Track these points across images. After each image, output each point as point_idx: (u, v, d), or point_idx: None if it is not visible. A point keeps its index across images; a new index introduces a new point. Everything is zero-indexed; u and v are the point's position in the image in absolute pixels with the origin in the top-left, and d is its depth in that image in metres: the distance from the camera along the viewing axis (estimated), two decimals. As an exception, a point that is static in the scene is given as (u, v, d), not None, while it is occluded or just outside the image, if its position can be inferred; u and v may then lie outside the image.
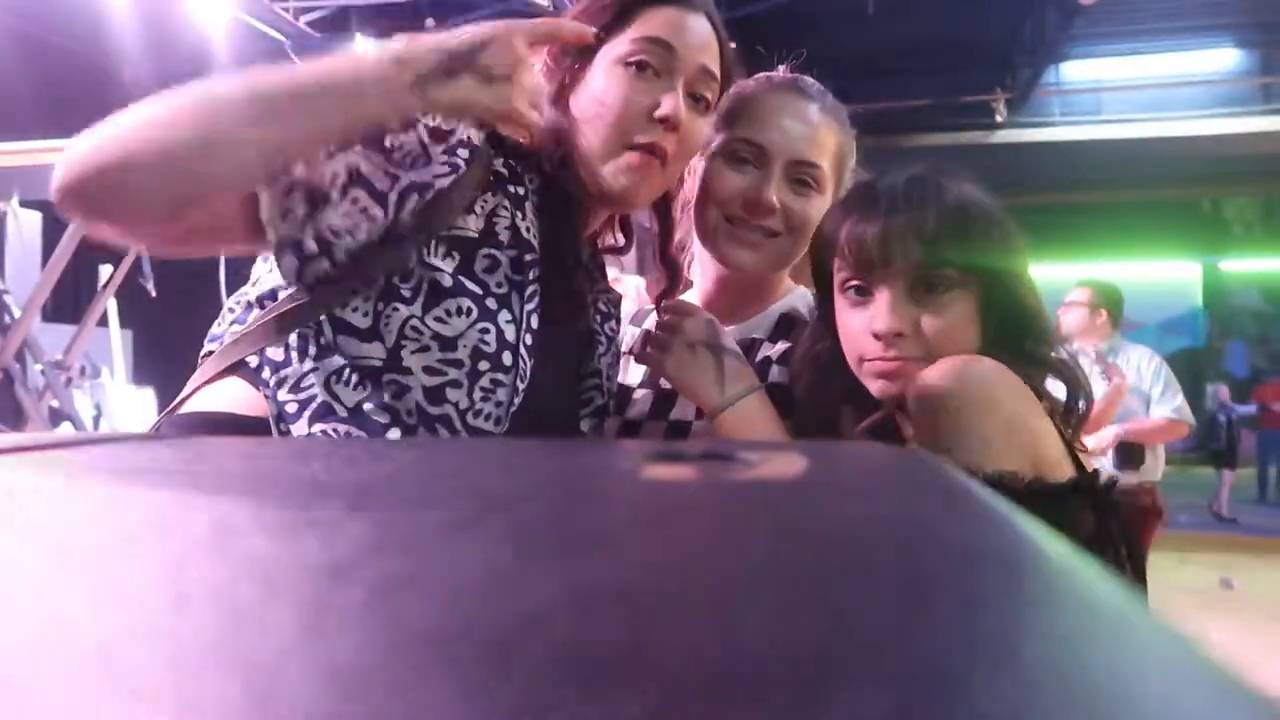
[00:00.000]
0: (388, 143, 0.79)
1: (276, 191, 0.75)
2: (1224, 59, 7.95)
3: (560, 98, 0.90)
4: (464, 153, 0.83)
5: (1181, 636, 0.18)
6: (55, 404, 2.56)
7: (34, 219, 2.86)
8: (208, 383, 0.84)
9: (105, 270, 2.63)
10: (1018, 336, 0.88)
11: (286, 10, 5.40)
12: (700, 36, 0.92)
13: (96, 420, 3.09)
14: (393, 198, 0.79)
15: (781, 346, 1.05)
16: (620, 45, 0.89)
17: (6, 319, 2.43)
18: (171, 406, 0.85)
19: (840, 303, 0.92)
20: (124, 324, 3.27)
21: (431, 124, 0.81)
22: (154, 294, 2.29)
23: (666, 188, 0.99)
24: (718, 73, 0.94)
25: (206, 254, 0.84)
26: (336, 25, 5.68)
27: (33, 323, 2.47)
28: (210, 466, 0.44)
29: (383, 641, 0.17)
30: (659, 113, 0.88)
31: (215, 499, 0.34)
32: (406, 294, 0.81)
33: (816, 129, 1.04)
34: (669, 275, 1.06)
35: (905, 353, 0.87)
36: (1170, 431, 3.29)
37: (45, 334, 2.66)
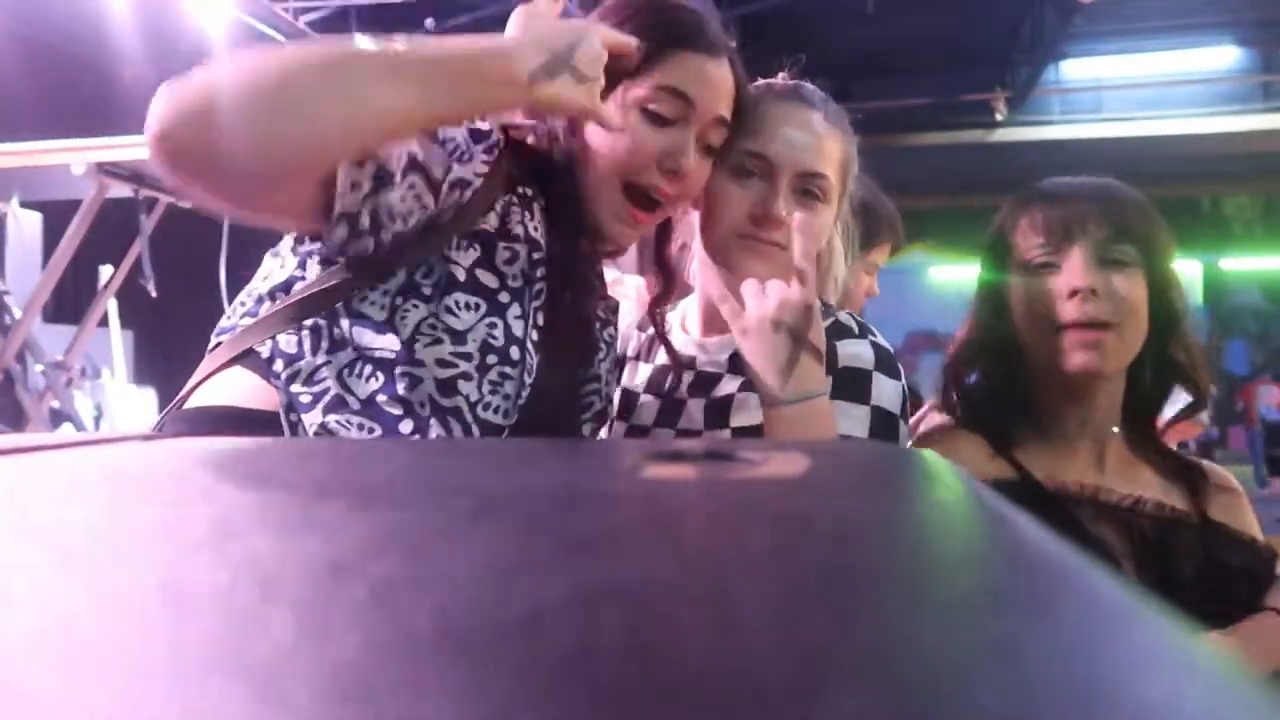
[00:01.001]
0: (439, 135, 0.81)
1: (353, 163, 0.76)
2: (1224, 57, 7.95)
3: (574, 120, 0.91)
4: (494, 154, 0.85)
5: (1183, 634, 0.18)
6: (56, 405, 2.56)
7: (34, 219, 2.86)
8: (215, 372, 0.84)
9: (106, 271, 2.63)
10: (1166, 335, 1.03)
11: (286, 10, 5.40)
12: (720, 86, 0.93)
13: (97, 421, 3.09)
14: (444, 189, 0.81)
15: None
16: (642, 88, 0.90)
17: (7, 320, 2.43)
18: (179, 399, 0.85)
19: (1028, 282, 1.04)
20: (125, 324, 3.27)
21: (471, 124, 0.83)
22: (155, 294, 2.29)
23: (660, 221, 1.01)
24: (730, 116, 0.95)
25: (266, 223, 0.82)
26: (336, 25, 5.69)
27: (33, 323, 2.47)
28: (211, 467, 0.44)
29: (384, 642, 0.17)
30: (669, 166, 0.90)
31: (216, 500, 0.34)
32: (427, 291, 0.82)
33: (822, 138, 1.02)
34: (664, 279, 1.06)
35: (1101, 313, 0.98)
36: (1186, 430, 3.30)
37: (46, 335, 2.66)
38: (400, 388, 0.80)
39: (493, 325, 0.84)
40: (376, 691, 0.14)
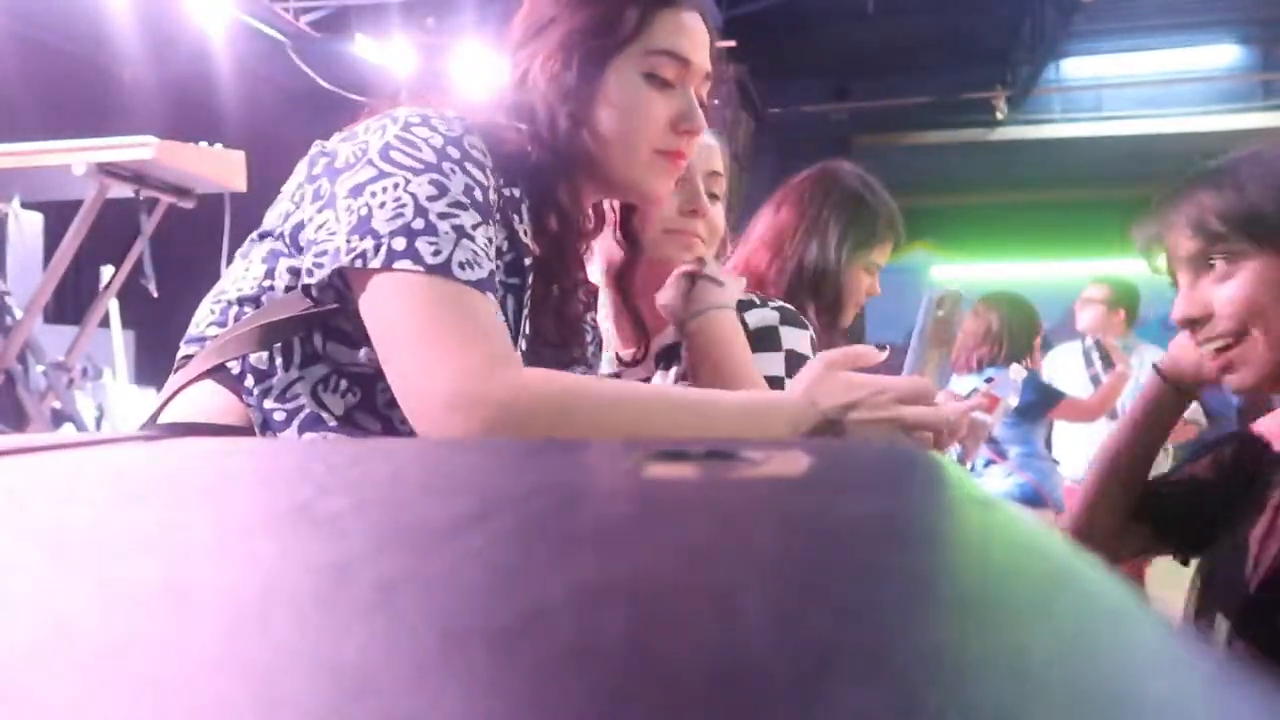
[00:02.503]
0: (472, 198, 0.81)
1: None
2: (1224, 55, 7.94)
3: (568, 103, 0.89)
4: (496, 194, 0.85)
5: (1181, 633, 0.18)
6: (57, 405, 2.56)
7: (36, 220, 2.86)
8: (184, 387, 0.83)
9: (107, 271, 2.63)
10: None
11: (286, 10, 5.40)
12: (703, 40, 0.94)
13: (99, 421, 3.09)
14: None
15: None
16: (637, 56, 0.90)
17: (8, 320, 2.43)
18: (153, 414, 0.84)
19: None
20: (126, 325, 3.27)
21: (474, 151, 0.82)
22: (156, 295, 2.29)
23: None
24: (712, 70, 0.96)
25: None
26: (336, 25, 5.68)
27: (35, 324, 2.47)
28: (212, 467, 0.44)
29: (386, 642, 0.17)
30: (685, 127, 0.92)
31: (218, 500, 0.34)
32: None
33: (716, 147, 1.18)
34: (630, 248, 1.12)
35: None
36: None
37: (47, 335, 2.66)
38: (380, 402, 0.80)
39: None
40: (379, 691, 0.14)
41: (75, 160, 2.18)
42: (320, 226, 0.79)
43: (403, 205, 0.77)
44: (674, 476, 0.37)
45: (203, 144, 2.34)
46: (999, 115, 7.71)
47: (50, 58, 4.45)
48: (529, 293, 0.87)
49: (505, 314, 0.85)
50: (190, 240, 2.64)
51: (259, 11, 5.24)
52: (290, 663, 0.16)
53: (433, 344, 0.74)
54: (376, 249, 0.75)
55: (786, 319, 1.20)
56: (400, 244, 0.75)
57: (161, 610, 0.19)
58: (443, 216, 0.77)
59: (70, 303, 3.52)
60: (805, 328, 1.21)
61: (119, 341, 3.25)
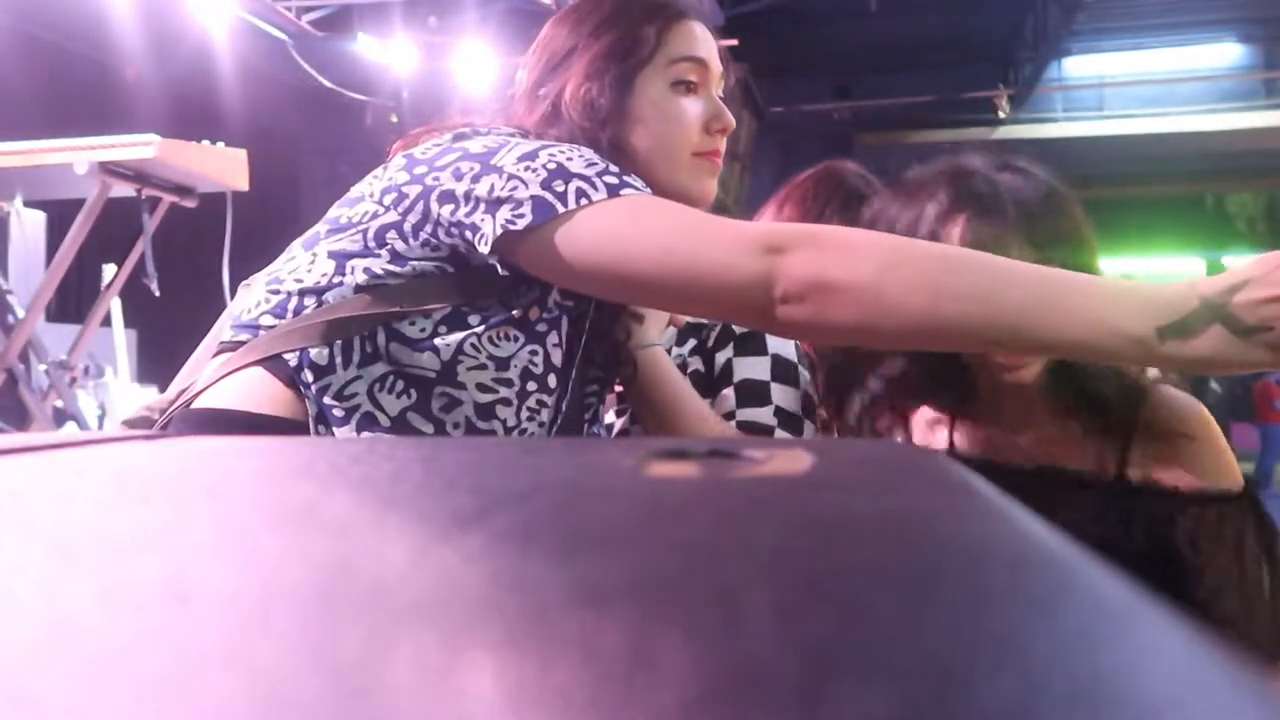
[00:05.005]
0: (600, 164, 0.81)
1: None
2: (1226, 54, 7.95)
3: (607, 128, 0.89)
4: None
5: (1189, 632, 0.18)
6: (59, 404, 2.56)
7: (38, 219, 2.86)
8: (232, 372, 0.81)
9: (109, 270, 2.63)
10: None
11: (288, 9, 5.41)
12: (713, 47, 0.96)
13: (101, 420, 3.09)
14: None
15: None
16: (662, 68, 0.92)
17: (11, 319, 2.43)
18: (190, 397, 0.83)
19: None
20: (128, 323, 3.28)
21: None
22: (158, 293, 2.29)
23: None
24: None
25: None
26: (338, 24, 5.69)
27: (37, 322, 2.47)
28: (215, 466, 0.44)
29: (388, 641, 0.17)
30: (718, 126, 0.93)
31: (220, 499, 0.34)
32: (474, 321, 0.82)
33: None
34: None
35: None
36: None
37: (49, 334, 2.67)
38: (435, 407, 0.80)
39: (534, 353, 0.84)
40: (381, 691, 0.14)
41: (77, 159, 2.18)
42: (484, 195, 0.78)
43: (591, 159, 0.79)
44: (675, 475, 0.37)
45: (205, 143, 2.34)
46: (1001, 114, 7.71)
47: (53, 56, 4.46)
48: (588, 318, 0.90)
49: (559, 336, 0.87)
50: (192, 239, 2.65)
51: (261, 10, 5.25)
52: (292, 662, 0.16)
53: (704, 224, 0.74)
54: (594, 185, 0.76)
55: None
56: (613, 180, 0.77)
57: (163, 610, 0.19)
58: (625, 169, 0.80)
59: (72, 301, 3.53)
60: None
61: (121, 340, 3.26)
